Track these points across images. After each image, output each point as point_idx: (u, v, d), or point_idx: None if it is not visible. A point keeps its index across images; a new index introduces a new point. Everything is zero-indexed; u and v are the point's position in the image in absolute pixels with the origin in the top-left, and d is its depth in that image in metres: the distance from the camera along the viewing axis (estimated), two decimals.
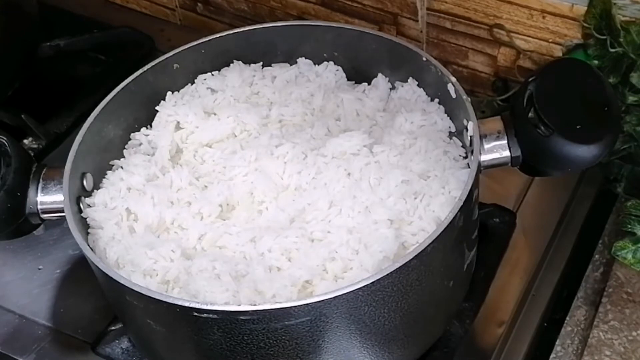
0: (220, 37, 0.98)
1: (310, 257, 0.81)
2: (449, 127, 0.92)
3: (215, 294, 0.78)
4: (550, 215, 1.04)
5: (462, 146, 0.90)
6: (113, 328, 0.96)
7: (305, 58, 0.99)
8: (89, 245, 0.83)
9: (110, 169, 0.92)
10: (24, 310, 0.99)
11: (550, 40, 1.07)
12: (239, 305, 0.74)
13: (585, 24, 1.02)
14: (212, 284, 0.79)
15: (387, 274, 0.74)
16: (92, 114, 0.91)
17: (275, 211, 0.86)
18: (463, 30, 1.13)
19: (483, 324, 0.95)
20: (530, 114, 0.83)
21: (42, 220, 0.88)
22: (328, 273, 0.80)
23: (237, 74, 0.98)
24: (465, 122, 0.87)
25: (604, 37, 1.00)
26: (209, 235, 0.85)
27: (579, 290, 0.97)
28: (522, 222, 1.03)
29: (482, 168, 0.85)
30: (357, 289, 0.74)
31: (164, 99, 0.97)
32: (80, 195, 0.88)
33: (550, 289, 0.98)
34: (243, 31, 0.99)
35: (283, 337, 0.76)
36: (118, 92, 0.93)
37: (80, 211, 0.87)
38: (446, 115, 0.92)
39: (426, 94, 0.95)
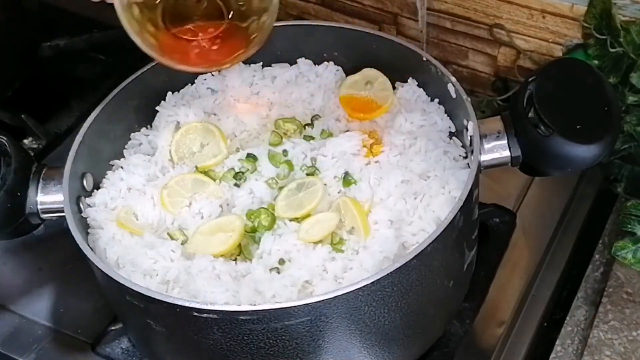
0: None
1: (310, 258, 0.81)
2: (449, 127, 0.92)
3: (215, 294, 0.78)
4: (550, 215, 1.04)
5: (462, 146, 0.90)
6: (113, 328, 0.96)
7: (305, 58, 0.99)
8: (89, 245, 0.83)
9: (110, 169, 0.92)
10: (24, 310, 1.00)
11: (550, 40, 1.07)
12: (239, 305, 0.74)
13: (585, 24, 1.02)
14: (212, 284, 0.79)
15: (387, 274, 0.74)
16: (92, 114, 0.91)
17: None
18: (463, 30, 1.13)
19: (483, 324, 0.95)
20: (530, 114, 0.83)
21: (42, 220, 0.88)
22: (328, 273, 0.80)
23: (237, 74, 0.98)
24: (465, 122, 0.87)
25: (604, 37, 1.00)
26: None
27: (579, 290, 0.97)
28: (522, 222, 1.03)
29: (482, 168, 0.85)
30: (357, 289, 0.74)
31: (164, 99, 0.97)
32: (80, 195, 0.88)
33: (550, 289, 0.98)
34: None
35: (283, 337, 0.76)
36: (118, 92, 0.93)
37: (80, 211, 0.87)
38: (446, 115, 0.92)
39: (426, 94, 0.95)
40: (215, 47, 0.84)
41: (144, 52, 0.80)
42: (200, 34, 0.84)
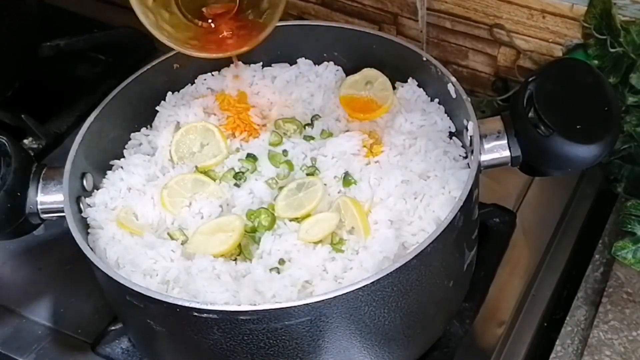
0: None
1: (310, 258, 0.81)
2: (449, 127, 0.92)
3: (215, 294, 0.78)
4: (550, 215, 1.04)
5: (462, 146, 0.90)
6: (113, 328, 0.96)
7: (305, 58, 0.99)
8: (89, 245, 0.83)
9: (110, 169, 0.93)
10: (24, 310, 1.00)
11: (550, 40, 1.07)
12: (239, 305, 0.74)
13: (585, 24, 1.02)
14: (212, 284, 0.79)
15: (387, 274, 0.74)
16: (92, 114, 0.91)
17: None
18: (463, 30, 1.13)
19: (483, 324, 0.95)
20: (530, 114, 0.83)
21: (42, 220, 0.88)
22: (328, 273, 0.80)
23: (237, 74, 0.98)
24: (465, 122, 0.87)
25: (604, 37, 1.00)
26: None
27: (579, 290, 0.97)
28: (522, 222, 1.03)
29: (482, 168, 0.85)
30: (357, 289, 0.74)
31: (164, 99, 0.97)
32: (80, 195, 0.88)
33: (550, 289, 0.98)
34: None
35: (283, 337, 0.76)
36: (118, 92, 0.93)
37: (80, 211, 0.87)
38: (446, 115, 0.92)
39: (426, 94, 0.95)
40: (230, 31, 0.85)
41: (161, 41, 0.81)
42: (214, 19, 0.85)
